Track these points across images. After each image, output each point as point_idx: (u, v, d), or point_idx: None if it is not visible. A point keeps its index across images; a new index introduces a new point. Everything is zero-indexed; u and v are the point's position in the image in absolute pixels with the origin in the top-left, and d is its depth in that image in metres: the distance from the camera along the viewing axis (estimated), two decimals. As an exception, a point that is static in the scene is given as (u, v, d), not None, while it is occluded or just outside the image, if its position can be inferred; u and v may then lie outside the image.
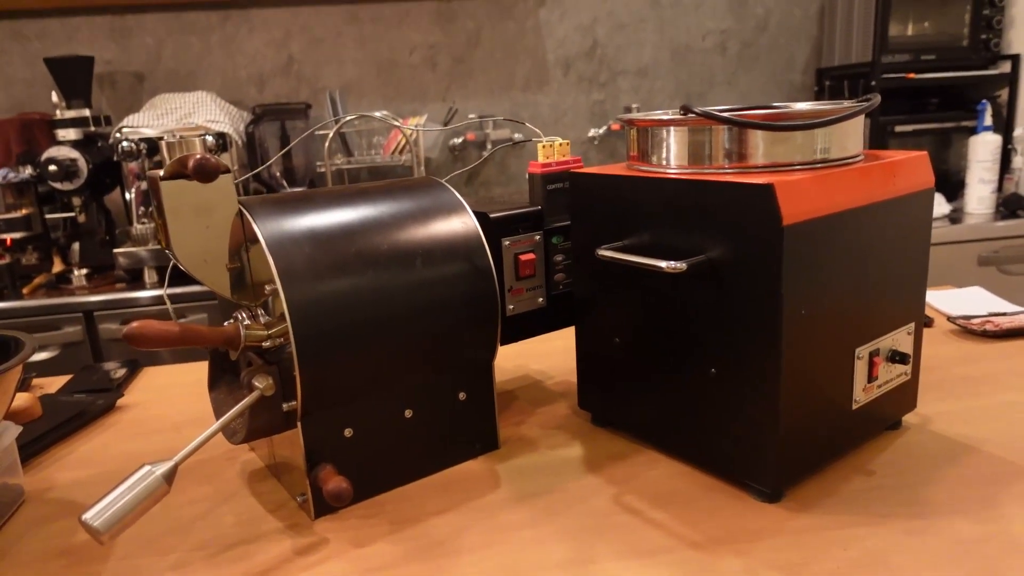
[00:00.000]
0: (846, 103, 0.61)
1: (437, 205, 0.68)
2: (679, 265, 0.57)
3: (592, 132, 2.47)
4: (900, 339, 0.67)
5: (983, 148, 2.12)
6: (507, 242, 0.73)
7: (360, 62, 2.34)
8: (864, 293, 0.62)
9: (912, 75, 2.18)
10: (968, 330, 0.95)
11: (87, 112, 1.95)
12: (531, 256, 0.75)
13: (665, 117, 0.62)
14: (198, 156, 0.55)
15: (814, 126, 0.57)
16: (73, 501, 0.68)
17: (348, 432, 0.63)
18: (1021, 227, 2.06)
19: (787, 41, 2.53)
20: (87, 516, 0.50)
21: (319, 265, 0.59)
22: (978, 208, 2.16)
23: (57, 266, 1.99)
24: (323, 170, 2.17)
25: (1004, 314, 0.97)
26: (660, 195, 0.62)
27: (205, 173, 0.55)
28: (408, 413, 0.66)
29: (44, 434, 0.79)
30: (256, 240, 0.59)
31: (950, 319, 0.98)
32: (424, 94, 2.39)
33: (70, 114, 1.93)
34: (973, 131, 2.19)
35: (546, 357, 0.98)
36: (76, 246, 1.97)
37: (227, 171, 0.59)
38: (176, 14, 2.24)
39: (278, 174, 2.17)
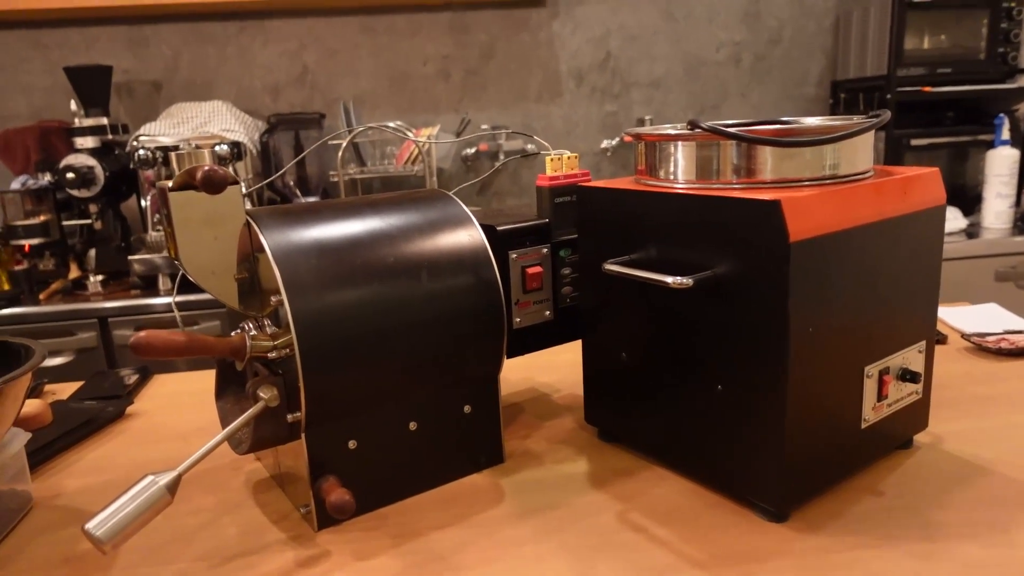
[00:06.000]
0: (855, 119, 0.60)
1: (444, 218, 0.68)
2: (685, 281, 0.57)
3: (605, 144, 2.47)
4: (911, 357, 0.66)
5: (1000, 162, 2.10)
6: (514, 255, 0.73)
7: (374, 73, 2.36)
8: (873, 311, 0.61)
9: (928, 88, 2.16)
10: (983, 348, 0.94)
11: (105, 120, 1.97)
12: (538, 269, 0.74)
13: (672, 132, 0.62)
14: (206, 167, 0.55)
15: (822, 142, 0.57)
16: (80, 509, 0.68)
17: (352, 444, 0.63)
18: (1039, 242, 2.04)
19: (801, 54, 2.52)
20: (90, 525, 0.50)
21: (325, 276, 0.59)
22: (995, 223, 2.13)
23: (73, 272, 2.01)
24: (336, 179, 2.18)
25: (1020, 332, 0.96)
26: (667, 210, 0.61)
27: (213, 184, 0.55)
28: (413, 426, 0.66)
29: (53, 441, 0.80)
30: (263, 251, 0.59)
31: (964, 336, 0.97)
32: (437, 105, 2.40)
33: (88, 122, 1.96)
34: (990, 145, 2.17)
35: (553, 370, 0.98)
36: (92, 252, 2.00)
37: (235, 182, 0.59)
38: (193, 24, 2.27)
39: (291, 183, 2.18)
